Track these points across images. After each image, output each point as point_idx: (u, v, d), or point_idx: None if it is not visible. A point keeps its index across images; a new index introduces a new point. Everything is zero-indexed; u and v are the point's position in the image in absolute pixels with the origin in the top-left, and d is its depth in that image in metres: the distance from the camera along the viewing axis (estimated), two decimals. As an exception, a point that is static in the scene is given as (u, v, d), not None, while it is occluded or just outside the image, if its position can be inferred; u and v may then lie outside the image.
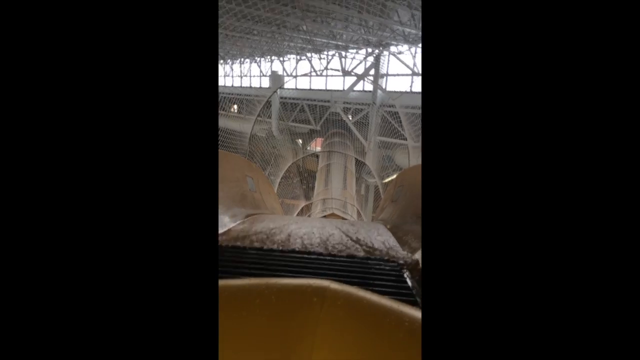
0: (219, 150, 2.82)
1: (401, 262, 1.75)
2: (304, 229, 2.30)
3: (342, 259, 1.78)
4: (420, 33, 8.79)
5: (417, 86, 12.24)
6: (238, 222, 2.50)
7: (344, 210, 8.56)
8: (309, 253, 1.84)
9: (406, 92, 11.37)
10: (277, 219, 2.78)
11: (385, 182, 9.56)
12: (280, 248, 1.88)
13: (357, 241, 2.07)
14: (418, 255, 1.80)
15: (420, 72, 12.23)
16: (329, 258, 1.78)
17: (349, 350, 0.55)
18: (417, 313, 0.59)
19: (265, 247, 1.90)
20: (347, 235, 2.20)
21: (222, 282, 0.74)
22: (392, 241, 2.13)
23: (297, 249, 1.88)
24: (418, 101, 10.61)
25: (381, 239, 2.15)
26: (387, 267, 1.69)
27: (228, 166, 2.83)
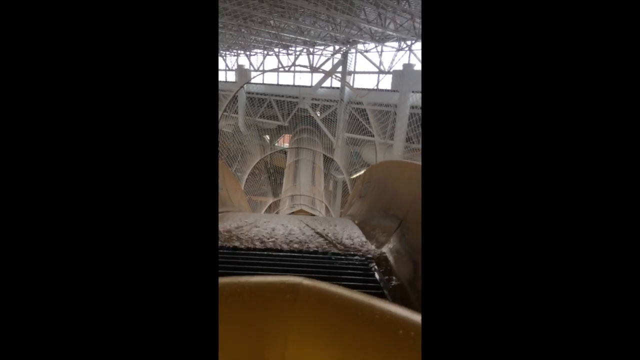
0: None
1: (369, 255, 1.79)
2: (272, 226, 2.28)
3: (310, 254, 1.79)
4: (386, 32, 8.98)
5: (384, 84, 12.50)
6: (203, 220, 2.41)
7: (312, 207, 8.59)
8: (277, 250, 1.82)
9: (373, 90, 11.58)
10: (244, 216, 2.72)
11: (353, 178, 9.70)
12: (248, 246, 1.85)
13: (325, 237, 2.09)
14: (385, 249, 1.85)
15: (386, 70, 12.51)
16: (297, 254, 1.78)
17: (322, 345, 0.56)
18: (387, 306, 0.61)
19: (231, 245, 1.86)
20: (315, 231, 2.20)
21: None
22: (359, 236, 2.17)
23: (264, 247, 1.86)
24: (384, 98, 10.85)
25: (348, 234, 2.18)
26: (355, 261, 1.71)
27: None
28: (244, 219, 2.47)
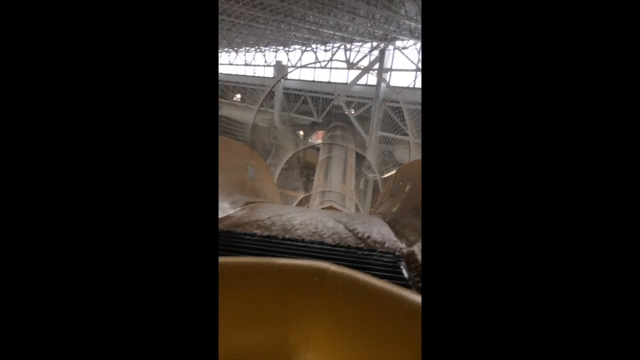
0: (221, 137, 2.82)
1: (397, 253, 1.77)
2: (303, 219, 2.32)
3: (338, 248, 1.80)
4: (427, 28, 8.70)
5: (420, 82, 12.13)
6: (238, 208, 2.51)
7: (342, 204, 8.58)
8: (306, 242, 1.86)
9: (409, 88, 11.31)
10: (276, 208, 2.79)
11: (385, 177, 9.57)
12: (278, 235, 1.90)
13: (355, 232, 2.09)
14: (415, 248, 1.82)
15: (425, 68, 12.12)
16: (326, 247, 1.80)
17: (348, 329, 0.56)
18: (416, 297, 0.60)
19: (264, 234, 1.92)
20: (345, 227, 2.21)
21: (222, 259, 0.74)
22: (389, 233, 2.15)
23: (294, 238, 1.89)
24: (421, 97, 10.53)
25: (378, 230, 2.17)
26: (384, 259, 1.70)
27: (229, 153, 2.83)
28: (275, 210, 2.53)
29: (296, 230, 2.04)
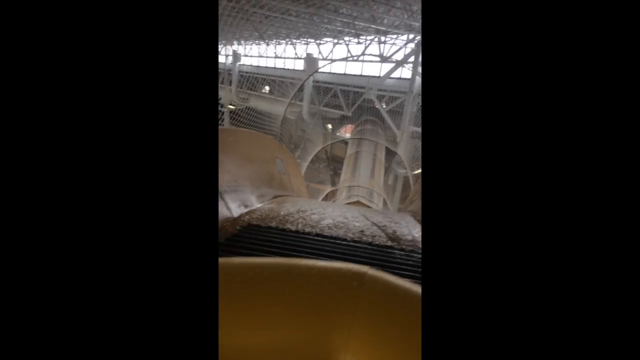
0: (250, 130, 2.83)
1: (430, 256, 1.69)
2: (331, 214, 2.27)
3: (367, 246, 1.74)
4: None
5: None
6: (266, 202, 2.51)
7: (369, 199, 8.47)
8: (335, 238, 1.81)
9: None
10: (304, 202, 2.77)
11: (416, 174, 9.32)
12: (307, 231, 1.87)
13: (384, 230, 2.02)
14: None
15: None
16: (354, 244, 1.74)
17: (387, 334, 0.56)
18: None
19: (292, 228, 1.89)
20: (374, 224, 2.15)
21: (262, 260, 0.75)
22: (419, 232, 2.06)
23: (323, 233, 1.86)
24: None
25: (409, 230, 2.08)
26: (414, 258, 1.63)
27: (258, 147, 2.83)
28: (303, 205, 2.51)
29: (325, 226, 2.00)
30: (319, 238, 1.79)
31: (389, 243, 1.81)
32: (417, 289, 0.64)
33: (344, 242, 1.76)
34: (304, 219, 2.10)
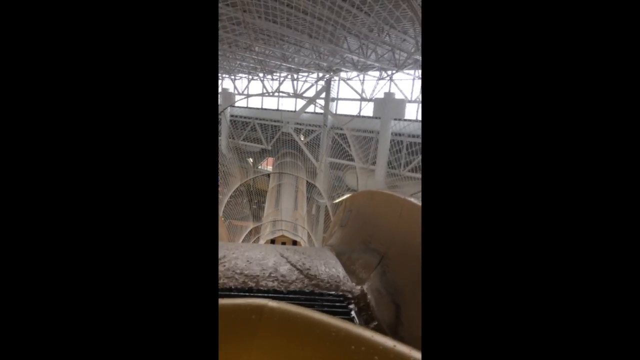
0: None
1: (348, 295, 1.71)
2: (249, 261, 2.17)
3: (288, 294, 1.69)
4: (368, 62, 9.29)
5: (365, 111, 12.80)
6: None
7: (294, 233, 8.44)
8: (252, 290, 1.72)
9: (355, 117, 11.81)
10: (220, 247, 2.60)
11: (335, 203, 9.68)
12: (225, 285, 1.74)
13: (306, 274, 2.00)
14: (365, 287, 1.78)
15: (367, 97, 12.86)
16: (274, 294, 1.68)
17: (283, 356, 0.61)
18: (343, 324, 0.66)
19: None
20: (294, 266, 2.11)
21: None
22: (339, 271, 2.09)
23: (242, 287, 1.75)
24: (367, 125, 11.07)
25: (329, 270, 2.10)
26: (333, 301, 1.64)
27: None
28: (220, 250, 2.36)
29: (240, 275, 1.89)
30: (237, 292, 1.68)
31: (312, 289, 1.79)
32: (313, 314, 0.69)
33: (265, 294, 1.68)
34: (222, 271, 1.96)
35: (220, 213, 7.86)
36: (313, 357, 0.60)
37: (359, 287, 1.80)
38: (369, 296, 1.66)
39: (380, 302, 1.57)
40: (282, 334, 0.65)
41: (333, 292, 1.74)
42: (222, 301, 0.72)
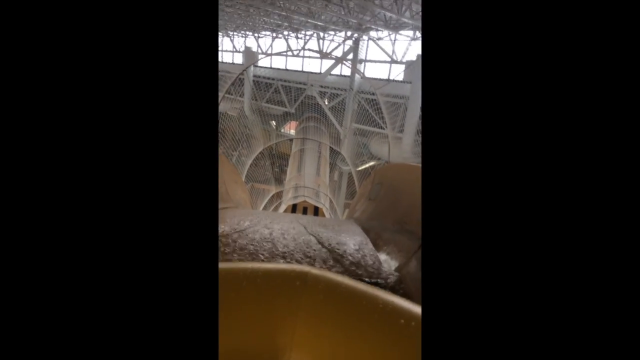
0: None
1: (381, 282, 1.54)
2: (271, 234, 2.03)
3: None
4: (402, 19, 8.51)
5: (395, 74, 12.03)
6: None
7: (316, 199, 8.37)
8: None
9: (392, 81, 11.12)
10: (243, 216, 2.49)
11: (360, 170, 9.41)
12: (245, 258, 1.61)
13: (332, 250, 1.84)
14: (404, 273, 1.59)
15: (399, 59, 12.02)
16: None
17: (328, 328, 0.61)
18: (389, 297, 0.63)
19: (227, 252, 1.62)
20: (321, 244, 1.95)
21: None
22: (372, 253, 1.91)
23: (263, 259, 1.61)
24: (396, 90, 10.41)
25: (360, 254, 1.92)
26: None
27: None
28: (241, 221, 2.23)
29: (265, 249, 1.75)
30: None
31: (337, 269, 1.63)
32: (357, 284, 0.67)
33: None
34: (242, 240, 1.83)
35: (243, 177, 7.84)
36: (359, 327, 0.59)
37: (395, 274, 1.61)
38: (410, 285, 1.48)
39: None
40: (327, 302, 0.64)
41: (367, 280, 1.56)
42: (265, 265, 0.74)
